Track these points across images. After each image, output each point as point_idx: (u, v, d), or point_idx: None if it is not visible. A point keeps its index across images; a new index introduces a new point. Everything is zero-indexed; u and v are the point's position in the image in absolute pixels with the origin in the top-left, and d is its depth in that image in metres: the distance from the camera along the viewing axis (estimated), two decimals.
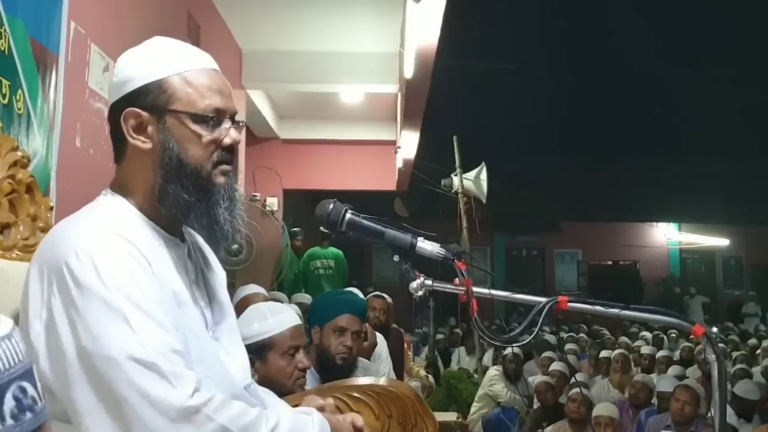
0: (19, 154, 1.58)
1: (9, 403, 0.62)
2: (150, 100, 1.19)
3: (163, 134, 1.19)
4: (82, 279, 1.07)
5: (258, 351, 2.04)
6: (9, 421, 0.62)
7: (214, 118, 1.21)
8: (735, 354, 7.22)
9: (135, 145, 1.20)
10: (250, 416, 1.11)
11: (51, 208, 1.67)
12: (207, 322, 1.28)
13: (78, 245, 1.09)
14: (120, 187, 1.24)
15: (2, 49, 2.34)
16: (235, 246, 1.36)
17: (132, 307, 1.06)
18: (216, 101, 1.21)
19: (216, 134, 1.21)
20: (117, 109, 1.21)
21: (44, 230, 1.63)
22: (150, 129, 1.20)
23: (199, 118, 1.20)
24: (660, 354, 6.89)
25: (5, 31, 2.36)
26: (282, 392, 1.88)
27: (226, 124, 1.22)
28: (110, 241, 1.11)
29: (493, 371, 5.83)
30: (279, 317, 2.13)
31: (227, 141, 1.22)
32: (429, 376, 5.99)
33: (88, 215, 1.20)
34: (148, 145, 1.20)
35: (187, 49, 1.27)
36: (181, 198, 1.18)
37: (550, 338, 8.29)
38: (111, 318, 1.05)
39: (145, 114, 1.19)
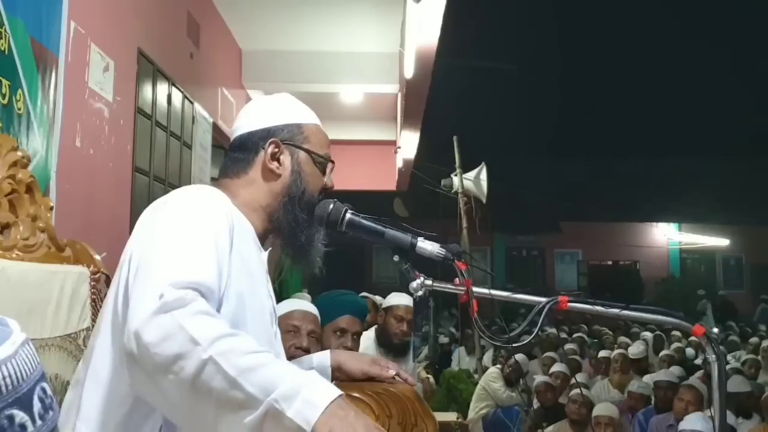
0: (19, 154, 1.58)
1: (37, 405, 0.67)
2: (288, 136, 1.42)
3: (296, 166, 1.41)
4: (174, 207, 1.25)
5: None
6: (38, 422, 0.66)
7: (329, 163, 1.47)
8: (743, 356, 7.12)
9: (270, 169, 1.40)
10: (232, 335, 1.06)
11: (51, 208, 1.67)
12: (273, 318, 1.43)
13: (188, 190, 1.32)
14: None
15: (2, 48, 2.34)
16: None
17: (188, 245, 1.17)
18: (329, 152, 1.48)
19: (325, 178, 1.46)
20: (253, 137, 1.42)
21: (44, 230, 1.63)
22: (283, 159, 1.41)
23: (321, 161, 1.44)
24: (662, 353, 6.90)
25: (5, 30, 2.36)
26: None
27: (329, 171, 1.48)
28: (215, 200, 1.29)
29: (493, 369, 5.84)
30: (290, 302, 2.30)
31: (330, 184, 1.47)
32: (429, 376, 5.99)
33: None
34: (280, 172, 1.40)
35: (310, 109, 1.52)
36: (298, 217, 1.39)
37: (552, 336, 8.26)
38: (171, 245, 1.16)
39: (282, 146, 1.41)
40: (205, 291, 1.10)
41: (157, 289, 1.06)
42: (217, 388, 0.98)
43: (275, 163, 1.40)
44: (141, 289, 1.10)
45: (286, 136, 1.42)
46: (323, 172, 1.46)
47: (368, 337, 3.36)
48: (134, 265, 1.17)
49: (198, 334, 1.01)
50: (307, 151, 1.43)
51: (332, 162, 1.48)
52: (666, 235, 18.74)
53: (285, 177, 1.41)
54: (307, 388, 0.99)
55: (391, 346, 3.33)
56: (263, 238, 1.42)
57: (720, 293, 17.11)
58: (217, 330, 1.03)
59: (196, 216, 1.23)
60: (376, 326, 3.50)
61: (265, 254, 1.42)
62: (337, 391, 1.01)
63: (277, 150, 1.40)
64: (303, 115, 1.48)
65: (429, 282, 1.35)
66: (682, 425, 3.57)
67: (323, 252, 1.44)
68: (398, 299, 3.39)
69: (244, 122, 1.46)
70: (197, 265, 1.14)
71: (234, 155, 1.44)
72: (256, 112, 1.48)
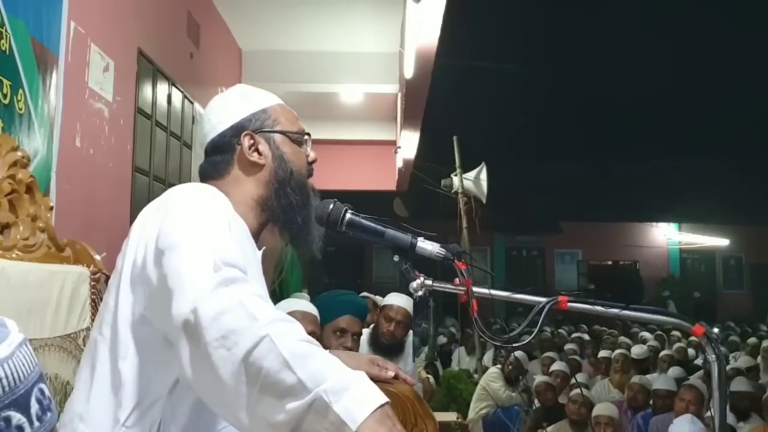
0: (20, 154, 1.58)
1: (34, 406, 0.66)
2: (258, 124, 1.42)
3: (276, 150, 1.41)
4: (181, 201, 1.24)
5: None
6: (36, 423, 0.66)
7: (305, 137, 1.46)
8: (739, 356, 7.10)
9: (252, 161, 1.40)
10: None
11: (51, 208, 1.67)
12: None
13: (186, 186, 1.33)
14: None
15: (3, 49, 2.34)
16: None
17: (214, 229, 1.17)
18: (301, 125, 1.47)
19: (306, 151, 1.46)
20: (225, 137, 1.42)
21: (44, 230, 1.63)
22: (262, 148, 1.41)
23: (297, 137, 1.44)
24: (662, 353, 6.90)
25: (6, 31, 2.36)
26: None
27: (308, 144, 1.47)
28: (214, 194, 1.30)
29: (493, 369, 5.84)
30: (290, 302, 2.33)
31: (313, 156, 1.48)
32: (430, 376, 5.98)
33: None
34: (263, 161, 1.40)
35: (266, 91, 1.52)
36: (292, 199, 1.39)
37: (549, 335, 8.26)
38: (197, 229, 1.15)
39: (257, 136, 1.41)
40: (245, 272, 1.11)
41: (206, 264, 1.05)
42: (267, 368, 0.96)
43: (255, 155, 1.40)
44: (182, 267, 1.07)
45: (256, 125, 1.42)
46: (302, 145, 1.47)
47: (364, 335, 3.36)
48: (151, 253, 1.16)
49: (257, 312, 1.00)
50: (281, 132, 1.43)
51: (308, 134, 1.48)
52: (666, 235, 18.74)
53: (269, 164, 1.41)
54: (358, 387, 0.96)
55: (379, 346, 3.26)
56: (257, 236, 1.43)
57: (695, 294, 17.05)
58: (274, 312, 1.03)
59: (207, 206, 1.24)
60: (372, 325, 3.48)
61: (259, 253, 1.42)
62: (385, 397, 0.97)
63: (252, 141, 1.41)
64: (263, 99, 1.48)
65: (429, 282, 1.34)
66: (671, 429, 3.60)
67: (323, 232, 1.42)
68: (393, 299, 3.33)
69: (212, 125, 1.46)
70: (230, 246, 1.14)
71: (212, 158, 1.43)
72: (218, 113, 1.47)
